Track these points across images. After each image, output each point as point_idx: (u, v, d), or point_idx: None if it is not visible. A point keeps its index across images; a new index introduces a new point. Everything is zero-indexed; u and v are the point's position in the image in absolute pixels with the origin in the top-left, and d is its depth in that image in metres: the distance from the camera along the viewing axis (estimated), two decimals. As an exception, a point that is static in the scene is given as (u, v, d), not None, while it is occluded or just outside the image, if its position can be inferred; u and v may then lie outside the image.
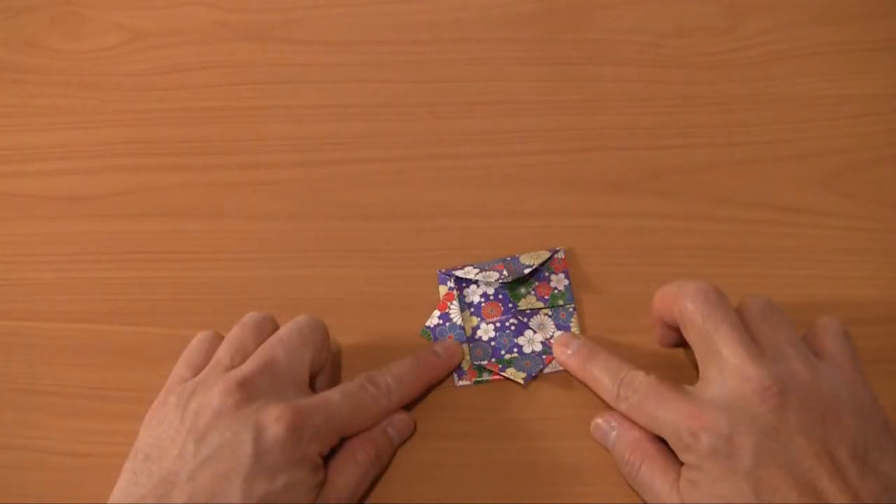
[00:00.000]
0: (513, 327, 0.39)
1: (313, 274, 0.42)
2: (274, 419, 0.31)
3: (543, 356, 0.38)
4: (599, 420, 0.35)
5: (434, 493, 0.35)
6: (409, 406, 0.37)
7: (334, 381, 0.38)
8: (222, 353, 0.35)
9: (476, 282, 0.40)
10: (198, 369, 0.35)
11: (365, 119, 0.47)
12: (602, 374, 0.35)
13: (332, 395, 0.34)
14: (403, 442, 0.36)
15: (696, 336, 0.33)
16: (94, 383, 0.39)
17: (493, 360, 0.38)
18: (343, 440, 0.34)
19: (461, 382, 0.38)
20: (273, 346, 0.34)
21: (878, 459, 0.29)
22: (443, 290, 0.40)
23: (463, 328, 0.39)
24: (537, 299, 0.40)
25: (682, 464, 0.31)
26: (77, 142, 0.47)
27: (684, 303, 0.33)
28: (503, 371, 0.37)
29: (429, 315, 0.40)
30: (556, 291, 0.40)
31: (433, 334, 0.39)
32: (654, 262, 0.41)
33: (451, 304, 0.40)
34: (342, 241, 0.43)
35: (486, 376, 0.38)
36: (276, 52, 0.50)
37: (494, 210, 0.43)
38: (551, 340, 0.38)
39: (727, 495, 0.29)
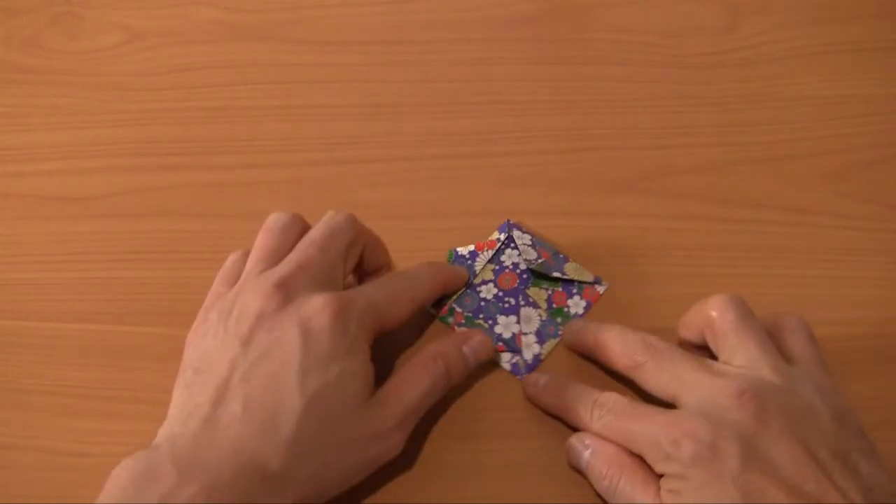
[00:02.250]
0: (505, 305, 0.39)
1: (313, 274, 0.42)
2: (318, 309, 0.31)
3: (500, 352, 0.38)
4: (572, 440, 0.34)
5: (434, 493, 0.35)
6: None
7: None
8: (252, 262, 0.35)
9: (517, 247, 0.41)
10: (234, 284, 0.35)
11: (365, 119, 0.47)
12: (574, 402, 0.34)
13: (366, 286, 0.35)
14: (479, 363, 0.36)
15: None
16: (94, 383, 0.39)
17: (468, 313, 0.39)
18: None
19: (432, 309, 0.39)
20: (306, 249, 0.34)
21: (857, 460, 0.29)
22: (494, 235, 0.41)
23: (475, 274, 0.40)
24: (547, 302, 0.39)
25: (660, 476, 0.31)
26: (77, 142, 0.47)
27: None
28: (461, 326, 0.38)
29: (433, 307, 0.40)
30: (566, 310, 0.39)
31: (454, 260, 0.41)
32: (654, 262, 0.41)
33: (486, 252, 0.40)
34: (342, 241, 0.43)
35: (450, 320, 0.39)
36: (276, 52, 0.50)
37: (494, 210, 0.43)
38: (522, 337, 0.38)
39: (714, 501, 0.29)
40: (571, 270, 0.40)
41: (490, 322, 0.39)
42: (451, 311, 0.39)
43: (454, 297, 0.40)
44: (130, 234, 0.44)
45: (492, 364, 0.38)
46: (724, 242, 0.41)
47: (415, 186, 0.44)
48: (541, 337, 0.38)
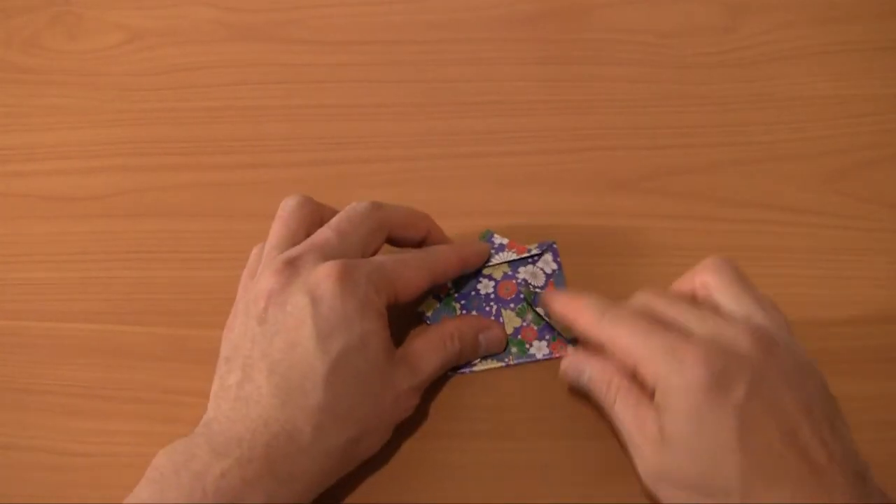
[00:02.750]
0: (486, 307, 0.39)
1: (313, 274, 0.42)
2: (324, 276, 0.32)
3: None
4: (570, 359, 0.34)
5: (434, 492, 0.35)
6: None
7: None
8: (268, 249, 0.35)
9: (538, 267, 0.40)
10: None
11: (365, 119, 0.47)
12: (588, 305, 0.34)
13: (375, 257, 0.35)
14: (487, 354, 0.37)
15: None
16: (94, 383, 0.39)
17: (455, 292, 0.39)
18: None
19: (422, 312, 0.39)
20: (322, 232, 0.35)
21: (840, 429, 0.30)
22: (533, 246, 0.40)
23: (489, 265, 0.40)
24: (515, 330, 0.39)
25: (653, 391, 0.31)
26: (77, 142, 0.47)
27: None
28: (440, 297, 0.39)
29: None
30: (526, 346, 0.38)
31: (485, 239, 0.41)
32: (654, 262, 0.41)
33: (511, 254, 0.40)
34: (342, 241, 0.43)
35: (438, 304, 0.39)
36: (276, 52, 0.50)
37: (494, 210, 0.43)
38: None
39: (708, 425, 0.29)
40: (556, 321, 0.39)
41: (463, 311, 0.39)
42: (448, 294, 0.40)
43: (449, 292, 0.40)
44: (130, 234, 0.44)
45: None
46: (724, 242, 0.41)
47: (415, 186, 0.44)
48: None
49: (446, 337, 0.35)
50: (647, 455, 0.31)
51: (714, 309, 0.33)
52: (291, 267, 0.33)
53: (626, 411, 0.32)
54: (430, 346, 0.35)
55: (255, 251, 0.37)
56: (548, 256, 0.41)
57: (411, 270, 0.34)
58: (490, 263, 0.40)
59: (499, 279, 0.40)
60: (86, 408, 0.39)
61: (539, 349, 0.38)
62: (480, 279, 0.40)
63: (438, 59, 0.49)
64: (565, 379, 0.35)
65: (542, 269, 0.40)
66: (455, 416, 0.37)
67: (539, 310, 0.38)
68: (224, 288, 0.41)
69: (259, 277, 0.33)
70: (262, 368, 0.31)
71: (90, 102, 0.49)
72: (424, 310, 0.39)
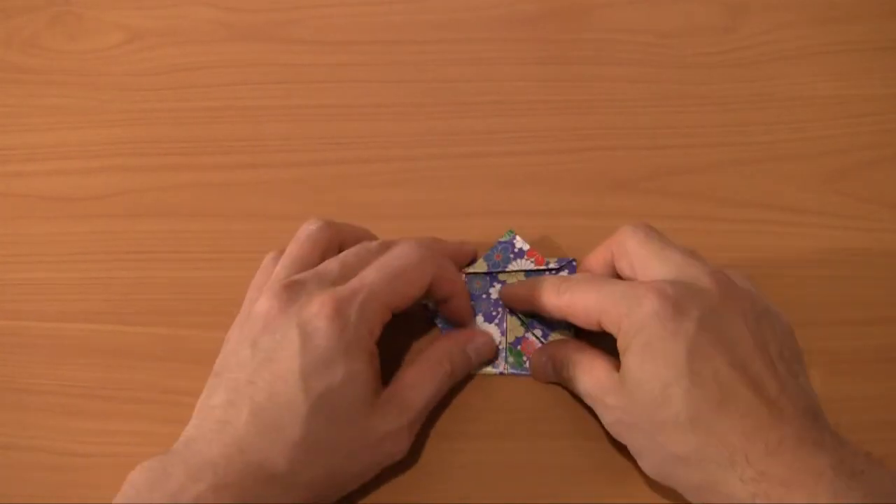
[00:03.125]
0: (493, 311, 0.39)
1: (313, 274, 0.42)
2: (316, 311, 0.31)
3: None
4: (532, 358, 0.37)
5: (434, 492, 0.35)
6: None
7: None
8: (279, 268, 0.35)
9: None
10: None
11: (365, 119, 0.47)
12: (541, 286, 0.35)
13: (368, 272, 0.34)
14: (482, 364, 0.37)
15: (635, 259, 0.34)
16: (94, 383, 0.39)
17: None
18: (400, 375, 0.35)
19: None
20: (329, 262, 0.34)
21: (797, 372, 0.30)
22: (552, 260, 0.40)
23: (504, 271, 0.40)
24: (516, 340, 0.38)
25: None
26: (77, 142, 0.47)
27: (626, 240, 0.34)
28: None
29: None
30: (523, 360, 0.38)
31: (509, 239, 0.41)
32: (654, 262, 0.41)
33: (529, 262, 0.40)
34: (342, 241, 0.43)
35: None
36: (276, 52, 0.50)
37: (495, 210, 0.43)
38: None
39: (659, 353, 0.29)
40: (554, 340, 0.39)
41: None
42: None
43: (471, 267, 0.40)
44: (130, 234, 0.44)
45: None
46: (724, 242, 0.41)
47: (415, 186, 0.44)
48: None
49: (435, 362, 0.35)
50: (609, 404, 0.32)
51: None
52: (290, 292, 0.32)
53: (582, 376, 0.33)
54: (421, 376, 0.34)
55: (267, 260, 0.37)
56: (565, 273, 0.40)
57: (406, 284, 0.34)
58: (507, 269, 0.40)
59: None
60: (86, 408, 0.39)
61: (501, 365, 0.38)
62: (494, 284, 0.40)
63: (438, 59, 0.49)
64: (539, 380, 0.37)
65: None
66: (455, 416, 0.37)
67: (536, 331, 0.38)
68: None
69: (260, 297, 0.33)
70: (246, 396, 0.31)
71: (90, 102, 0.49)
72: (429, 303, 0.39)
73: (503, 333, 0.38)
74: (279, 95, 0.48)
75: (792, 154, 0.44)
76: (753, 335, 0.30)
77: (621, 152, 0.45)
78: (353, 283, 0.33)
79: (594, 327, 0.33)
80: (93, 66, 0.51)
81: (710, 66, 0.48)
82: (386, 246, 0.35)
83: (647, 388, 0.30)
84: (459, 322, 0.38)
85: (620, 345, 0.31)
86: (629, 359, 0.30)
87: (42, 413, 0.39)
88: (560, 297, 0.34)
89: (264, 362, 0.31)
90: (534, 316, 0.39)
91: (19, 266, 0.43)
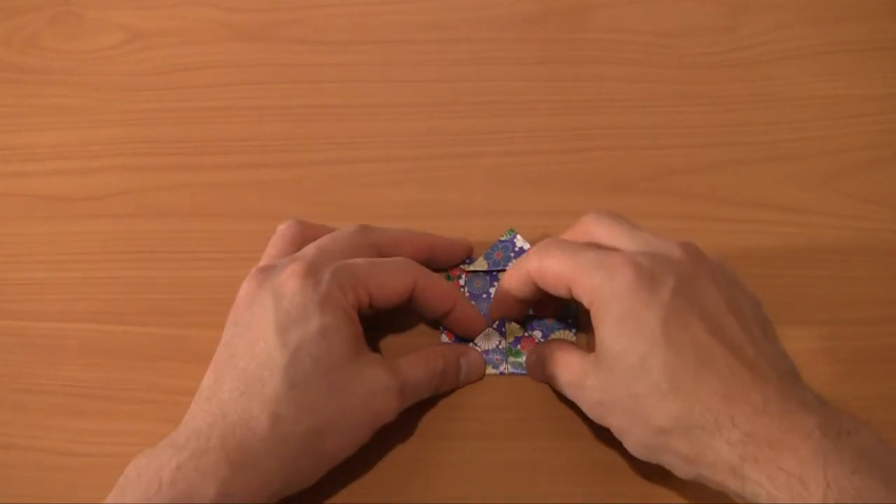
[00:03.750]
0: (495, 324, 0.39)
1: (313, 274, 0.42)
2: (287, 274, 0.32)
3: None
4: (526, 358, 0.37)
5: (433, 493, 0.35)
6: (412, 407, 0.36)
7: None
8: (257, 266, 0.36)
9: None
10: None
11: (365, 119, 0.47)
12: (521, 259, 0.35)
13: (352, 259, 0.34)
14: (469, 381, 0.37)
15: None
16: (94, 383, 0.39)
17: (467, 291, 0.40)
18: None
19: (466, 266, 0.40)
20: (307, 248, 0.35)
21: (773, 338, 0.31)
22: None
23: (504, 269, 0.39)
24: (515, 339, 0.39)
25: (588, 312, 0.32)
26: (77, 142, 0.47)
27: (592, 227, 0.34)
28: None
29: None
30: (523, 359, 0.38)
31: (510, 237, 0.41)
32: (654, 262, 0.41)
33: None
34: (342, 241, 0.43)
35: (450, 278, 0.40)
36: (276, 52, 0.50)
37: (494, 210, 0.43)
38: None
39: (635, 325, 0.29)
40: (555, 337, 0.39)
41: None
42: (460, 277, 0.40)
43: (471, 265, 0.40)
44: (130, 234, 0.44)
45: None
46: (724, 242, 0.41)
47: (415, 186, 0.44)
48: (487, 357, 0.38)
49: (430, 354, 0.36)
50: (587, 385, 0.32)
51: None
52: (263, 273, 0.33)
53: (559, 369, 0.33)
54: (415, 358, 0.35)
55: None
56: None
57: (387, 275, 0.34)
58: (507, 268, 0.40)
59: None
60: (86, 408, 0.39)
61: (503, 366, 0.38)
62: (494, 283, 0.40)
63: (438, 59, 0.49)
64: (535, 379, 0.37)
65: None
66: (453, 416, 0.37)
67: (536, 332, 0.39)
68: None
69: (242, 284, 0.34)
70: (227, 367, 0.31)
71: (90, 102, 0.49)
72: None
73: (503, 335, 0.38)
74: (279, 95, 0.48)
75: (792, 154, 0.44)
76: (727, 302, 0.30)
77: (621, 152, 0.45)
78: (329, 261, 0.33)
79: (564, 294, 0.32)
80: (93, 66, 0.51)
81: (710, 66, 0.48)
82: (365, 229, 0.36)
83: (624, 361, 0.29)
84: (470, 329, 0.38)
85: (594, 318, 0.31)
86: (604, 332, 0.30)
87: (42, 413, 0.39)
88: (533, 265, 0.33)
89: (244, 333, 0.32)
90: (534, 317, 0.39)
91: (19, 266, 0.43)
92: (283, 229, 0.37)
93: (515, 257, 0.40)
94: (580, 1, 0.51)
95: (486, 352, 0.38)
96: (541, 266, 0.33)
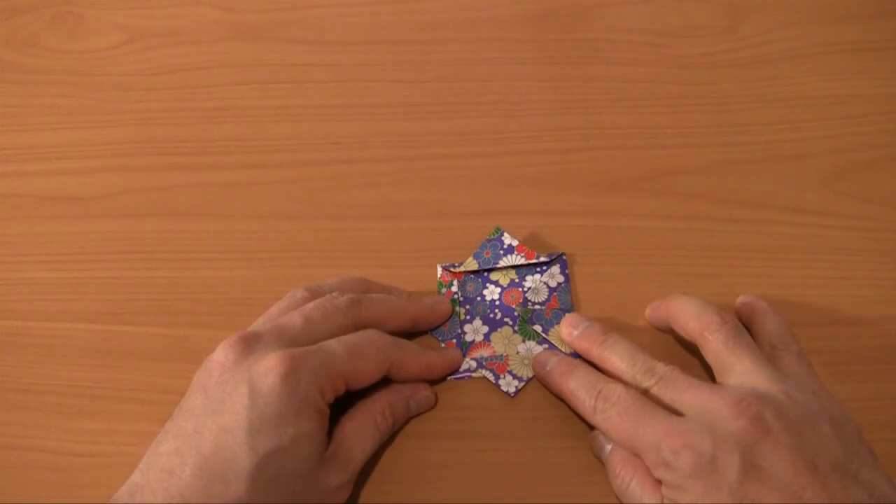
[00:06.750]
0: (491, 315, 0.39)
1: (313, 274, 0.41)
2: (268, 369, 0.31)
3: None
4: (598, 432, 0.35)
5: (433, 493, 0.35)
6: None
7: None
8: (255, 325, 0.35)
9: (544, 279, 0.40)
10: None
11: (365, 119, 0.47)
12: (578, 388, 0.35)
13: (330, 342, 0.33)
14: (419, 415, 0.37)
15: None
16: (94, 383, 0.39)
17: (460, 296, 0.40)
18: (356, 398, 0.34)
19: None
20: (292, 315, 0.34)
21: (857, 468, 0.29)
22: (542, 255, 0.40)
23: (495, 269, 0.40)
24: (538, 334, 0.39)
25: (659, 481, 0.31)
26: (77, 142, 0.47)
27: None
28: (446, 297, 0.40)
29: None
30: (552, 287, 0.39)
31: (496, 237, 0.41)
32: (654, 262, 0.41)
33: (519, 258, 0.40)
34: (342, 241, 0.43)
35: (443, 290, 0.40)
36: (276, 52, 0.50)
37: (494, 210, 0.43)
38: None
39: None
40: (555, 336, 0.38)
41: (468, 317, 0.39)
42: (451, 284, 0.40)
43: (461, 266, 0.40)
44: (130, 234, 0.44)
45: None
46: (724, 242, 0.41)
47: (415, 186, 0.44)
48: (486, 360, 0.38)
49: (377, 414, 0.35)
50: None
51: (710, 384, 0.32)
52: (245, 344, 0.32)
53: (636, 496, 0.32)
54: (362, 431, 0.34)
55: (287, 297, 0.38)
56: (555, 268, 0.40)
57: (365, 361, 0.34)
58: (497, 266, 0.40)
59: (505, 286, 0.40)
60: (86, 408, 0.39)
61: (509, 385, 0.37)
62: (487, 285, 0.40)
63: (438, 59, 0.49)
64: (537, 375, 0.37)
65: (546, 282, 0.40)
66: (453, 416, 0.37)
67: (536, 327, 0.39)
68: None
69: (217, 347, 0.33)
70: (191, 444, 0.30)
71: (90, 102, 0.49)
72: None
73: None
74: (279, 95, 0.48)
75: (792, 154, 0.44)
76: (799, 457, 0.29)
77: (621, 152, 0.45)
78: (312, 348, 0.33)
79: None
80: (93, 66, 0.51)
81: (710, 66, 0.48)
82: (356, 303, 0.36)
83: None
84: (451, 369, 0.38)
85: (665, 493, 0.31)
86: None
87: (42, 413, 0.39)
88: (595, 415, 0.34)
89: (212, 413, 0.31)
90: (532, 319, 0.39)
91: (19, 266, 0.43)
92: (292, 295, 0.37)
93: (505, 254, 0.40)
94: (580, 1, 0.51)
95: (483, 357, 0.38)
96: (605, 426, 0.33)
